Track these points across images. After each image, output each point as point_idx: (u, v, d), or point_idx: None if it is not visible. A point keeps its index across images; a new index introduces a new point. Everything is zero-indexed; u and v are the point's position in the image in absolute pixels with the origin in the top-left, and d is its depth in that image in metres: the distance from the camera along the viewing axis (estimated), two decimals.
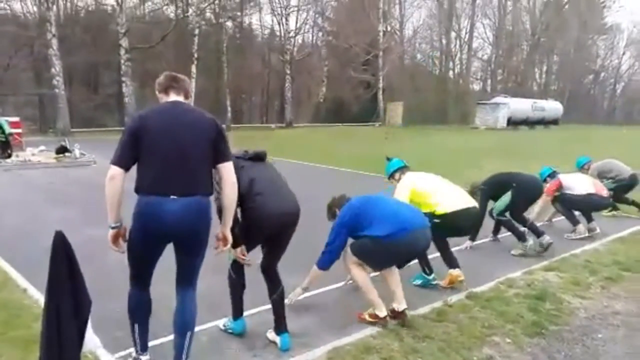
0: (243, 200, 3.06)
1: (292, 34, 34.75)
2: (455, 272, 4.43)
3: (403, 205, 3.91)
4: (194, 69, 26.79)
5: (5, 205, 7.70)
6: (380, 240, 3.51)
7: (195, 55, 26.86)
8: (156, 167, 2.64)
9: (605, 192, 6.57)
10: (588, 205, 6.44)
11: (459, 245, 5.44)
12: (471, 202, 4.54)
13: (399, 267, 3.83)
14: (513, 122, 34.30)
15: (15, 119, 15.22)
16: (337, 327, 3.62)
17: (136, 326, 2.93)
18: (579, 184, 6.42)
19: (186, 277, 2.89)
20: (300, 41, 38.89)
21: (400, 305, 3.69)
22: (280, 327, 3.35)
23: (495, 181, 5.83)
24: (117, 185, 2.61)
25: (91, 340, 3.13)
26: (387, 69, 37.51)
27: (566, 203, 6.43)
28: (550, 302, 4.13)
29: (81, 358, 2.75)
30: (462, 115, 40.53)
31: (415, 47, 46.82)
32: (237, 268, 3.39)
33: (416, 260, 4.43)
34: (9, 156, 12.30)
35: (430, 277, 4.45)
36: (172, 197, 2.61)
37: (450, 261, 4.50)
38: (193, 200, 2.66)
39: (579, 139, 23.69)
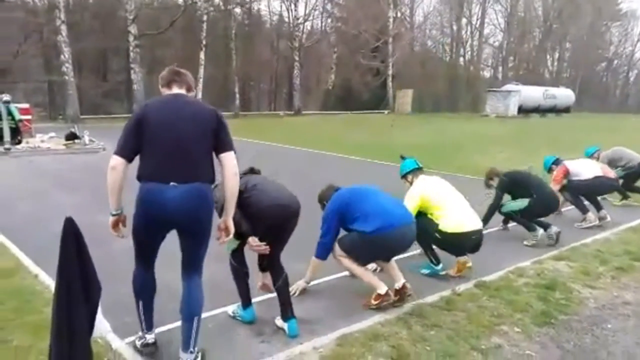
0: (240, 194, 3.08)
1: (300, 20, 34.52)
2: (462, 259, 4.42)
3: (390, 200, 3.92)
4: (202, 55, 26.74)
5: (15, 192, 7.77)
6: (367, 235, 3.63)
7: (204, 42, 26.78)
8: (157, 157, 2.72)
9: (612, 174, 6.55)
10: (596, 189, 6.40)
11: None
12: (476, 225, 4.39)
13: (386, 260, 3.87)
14: (524, 110, 33.94)
15: (25, 105, 15.27)
16: (345, 314, 3.63)
17: (141, 304, 2.99)
18: (586, 169, 6.38)
19: (191, 264, 2.93)
20: (309, 27, 38.68)
21: (399, 282, 3.75)
22: (287, 313, 3.37)
23: (517, 179, 5.70)
24: (118, 175, 2.68)
25: (101, 324, 3.17)
26: (396, 55, 37.17)
27: (574, 190, 6.37)
28: (559, 292, 4.11)
29: (91, 343, 2.78)
30: (473, 102, 40.19)
31: (426, 34, 46.37)
32: (237, 257, 3.43)
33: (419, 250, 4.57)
34: (19, 142, 12.37)
35: (439, 268, 4.43)
36: (172, 184, 2.66)
37: None
38: (193, 187, 2.70)
39: (590, 128, 23.41)
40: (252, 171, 3.54)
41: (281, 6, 37.22)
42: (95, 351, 2.99)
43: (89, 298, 2.53)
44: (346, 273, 4.32)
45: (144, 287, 2.98)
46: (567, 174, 6.35)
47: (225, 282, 3.59)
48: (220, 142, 2.79)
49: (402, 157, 4.86)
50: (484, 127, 23.48)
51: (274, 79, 39.56)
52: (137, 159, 2.75)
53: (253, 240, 3.29)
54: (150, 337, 3.04)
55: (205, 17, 26.88)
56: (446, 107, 38.15)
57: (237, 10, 32.02)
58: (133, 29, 24.44)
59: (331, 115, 31.12)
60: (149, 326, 3.04)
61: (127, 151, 2.69)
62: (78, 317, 2.47)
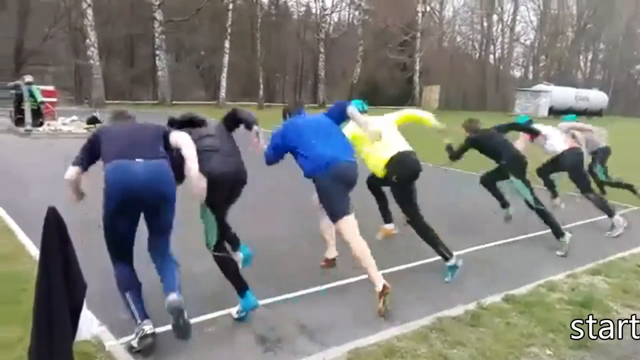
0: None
1: (328, 11, 34.06)
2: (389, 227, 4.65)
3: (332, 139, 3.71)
4: (227, 44, 26.54)
5: (31, 175, 7.64)
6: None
7: (229, 31, 26.56)
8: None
9: (576, 144, 6.17)
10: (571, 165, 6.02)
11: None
12: (409, 148, 4.32)
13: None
14: (555, 112, 32.96)
15: (50, 87, 15.28)
16: (359, 324, 3.32)
17: (128, 295, 2.90)
18: (557, 138, 6.07)
19: (161, 241, 3.05)
20: (336, 19, 38.17)
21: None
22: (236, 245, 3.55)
23: (484, 140, 5.46)
24: None
25: (90, 325, 2.94)
26: (424, 51, 36.45)
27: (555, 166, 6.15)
28: (596, 311, 3.73)
29: (79, 344, 2.56)
30: (502, 101, 39.21)
31: (455, 30, 45.37)
32: (220, 248, 3.30)
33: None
34: (41, 125, 12.35)
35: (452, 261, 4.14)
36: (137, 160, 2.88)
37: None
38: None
39: (621, 132, 22.50)
40: (195, 122, 3.49)
41: None
42: (85, 351, 2.78)
43: (73, 296, 2.29)
44: (363, 277, 4.04)
45: (128, 278, 2.95)
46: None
47: (221, 284, 3.37)
48: (165, 133, 3.12)
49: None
50: None
51: (299, 71, 39.23)
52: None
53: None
54: (148, 328, 2.83)
55: (231, 6, 26.66)
56: (474, 105, 37.27)
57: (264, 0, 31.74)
58: (159, 15, 24.38)
59: None
60: (142, 315, 2.87)
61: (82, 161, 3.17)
62: (59, 317, 2.23)
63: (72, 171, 3.12)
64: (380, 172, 4.25)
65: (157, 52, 25.06)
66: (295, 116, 3.88)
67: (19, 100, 12.23)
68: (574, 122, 6.76)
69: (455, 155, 5.56)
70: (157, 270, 3.01)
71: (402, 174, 4.18)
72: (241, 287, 3.26)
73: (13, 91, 12.54)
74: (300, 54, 37.05)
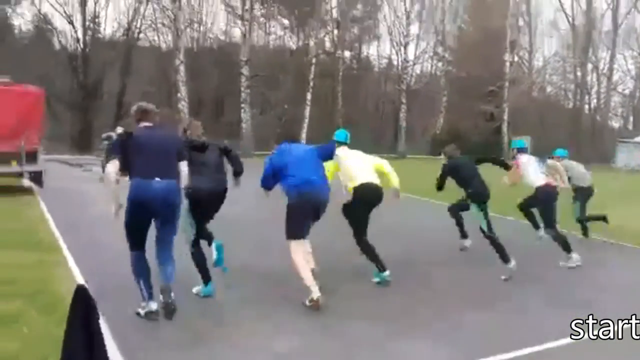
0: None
1: (410, 63, 34.02)
2: None
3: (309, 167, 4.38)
4: (308, 96, 27.10)
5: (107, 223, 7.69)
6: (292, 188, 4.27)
7: (311, 84, 27.17)
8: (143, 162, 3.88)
9: (554, 183, 6.28)
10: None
11: None
12: (376, 180, 5.09)
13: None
14: None
15: None
16: None
17: (141, 281, 3.80)
18: (535, 174, 6.16)
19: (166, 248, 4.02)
20: (418, 71, 38.00)
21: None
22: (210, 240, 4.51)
23: (456, 167, 5.82)
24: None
25: None
26: (512, 101, 35.01)
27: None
28: None
29: None
30: (600, 153, 36.37)
31: (545, 79, 43.42)
32: (196, 245, 4.31)
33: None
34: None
35: (386, 274, 4.89)
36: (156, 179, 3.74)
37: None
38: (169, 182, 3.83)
39: None
40: (202, 147, 4.35)
41: (391, 50, 36.98)
42: None
43: None
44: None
45: (141, 265, 3.84)
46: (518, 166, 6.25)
47: None
48: (180, 155, 4.01)
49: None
50: (612, 181, 20.78)
51: (380, 122, 39.13)
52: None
53: None
54: (154, 306, 3.77)
55: (314, 60, 27.38)
56: (568, 156, 34.90)
57: (347, 54, 32.36)
58: (245, 71, 25.46)
59: (435, 161, 29.79)
60: (150, 296, 3.79)
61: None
62: None
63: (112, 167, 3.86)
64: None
65: (242, 105, 26.06)
66: (284, 144, 4.54)
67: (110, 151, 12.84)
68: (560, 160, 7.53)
69: (438, 186, 5.95)
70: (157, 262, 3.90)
71: (364, 197, 4.97)
72: (206, 278, 4.32)
73: (106, 142, 13.22)
74: (381, 105, 37.07)
